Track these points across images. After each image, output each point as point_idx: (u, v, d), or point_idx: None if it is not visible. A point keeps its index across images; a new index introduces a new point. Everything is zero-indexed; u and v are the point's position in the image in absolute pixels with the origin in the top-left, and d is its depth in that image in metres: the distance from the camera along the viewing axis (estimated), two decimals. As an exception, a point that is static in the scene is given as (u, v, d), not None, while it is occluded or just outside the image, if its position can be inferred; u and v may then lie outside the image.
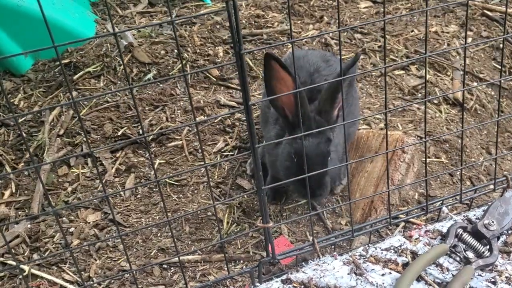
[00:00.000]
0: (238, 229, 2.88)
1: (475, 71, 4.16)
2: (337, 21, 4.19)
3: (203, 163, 3.24)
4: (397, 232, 2.63)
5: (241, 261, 2.73)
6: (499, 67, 4.34)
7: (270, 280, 1.72)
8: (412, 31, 4.43)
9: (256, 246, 2.80)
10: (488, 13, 4.88)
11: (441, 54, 4.16)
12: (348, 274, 1.67)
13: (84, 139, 3.42)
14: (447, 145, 3.38)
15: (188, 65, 3.95)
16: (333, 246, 2.56)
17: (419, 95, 3.80)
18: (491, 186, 2.02)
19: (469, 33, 4.61)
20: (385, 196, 2.79)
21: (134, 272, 2.64)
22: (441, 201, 1.97)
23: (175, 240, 2.76)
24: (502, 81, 4.27)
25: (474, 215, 1.88)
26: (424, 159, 3.21)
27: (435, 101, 3.76)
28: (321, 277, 1.66)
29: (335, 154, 2.56)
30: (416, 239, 1.79)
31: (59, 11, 4.14)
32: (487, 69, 4.27)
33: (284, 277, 1.69)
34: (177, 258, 2.62)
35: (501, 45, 4.47)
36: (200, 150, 3.33)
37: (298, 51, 3.35)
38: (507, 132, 4.10)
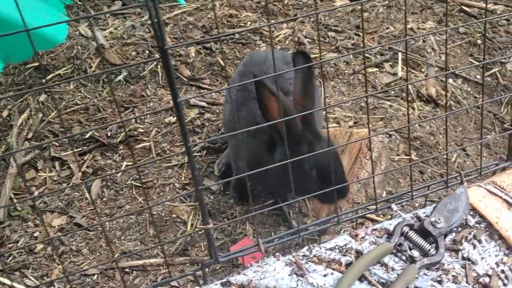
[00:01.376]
0: (202, 231, 2.84)
1: (451, 67, 4.11)
2: (311, 19, 4.15)
3: (171, 164, 3.22)
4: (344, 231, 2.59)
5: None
6: (476, 62, 4.30)
7: (210, 282, 1.68)
8: (388, 28, 4.39)
9: (221, 248, 2.75)
10: (466, 9, 4.84)
11: (415, 51, 4.12)
12: (289, 275, 1.62)
13: (52, 142, 3.38)
14: (418, 142, 3.34)
15: (159, 66, 3.91)
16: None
17: (392, 92, 3.76)
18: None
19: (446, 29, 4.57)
20: (350, 195, 2.75)
21: (95, 276, 2.60)
22: (392, 199, 1.93)
23: (138, 243, 2.73)
24: (478, 77, 4.24)
25: (424, 212, 1.84)
26: (392, 157, 3.17)
27: (409, 98, 3.72)
28: (261, 279, 1.62)
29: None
30: (362, 238, 1.74)
31: (29, 13, 4.10)
32: (463, 65, 4.23)
33: (224, 279, 1.65)
34: (139, 262, 2.59)
35: (478, 41, 4.44)
36: (168, 152, 3.29)
37: (258, 53, 3.31)
38: (484, 128, 4.06)
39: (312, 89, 2.35)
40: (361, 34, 4.21)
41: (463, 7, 4.85)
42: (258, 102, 2.26)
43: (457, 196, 1.83)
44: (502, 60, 4.35)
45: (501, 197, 1.85)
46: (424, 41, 4.27)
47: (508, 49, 4.50)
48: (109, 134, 3.45)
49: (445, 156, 3.40)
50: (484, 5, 4.91)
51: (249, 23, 4.29)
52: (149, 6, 1.38)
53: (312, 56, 3.98)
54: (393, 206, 1.87)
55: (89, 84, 3.84)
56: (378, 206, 1.87)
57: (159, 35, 1.41)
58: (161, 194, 3.05)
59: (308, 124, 2.35)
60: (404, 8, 4.90)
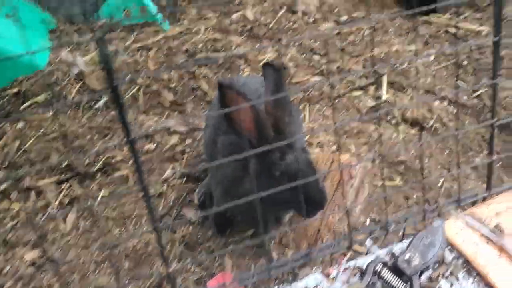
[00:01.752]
0: (180, 265, 2.74)
1: (436, 90, 4.06)
2: (296, 43, 4.10)
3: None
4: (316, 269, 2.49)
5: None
6: (462, 84, 4.25)
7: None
8: (373, 49, 4.35)
9: (197, 283, 2.65)
10: (452, 30, 4.81)
11: (401, 73, 4.07)
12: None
13: (28, 171, 3.29)
14: (403, 166, 3.26)
15: (141, 91, 3.85)
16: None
17: (378, 114, 3.69)
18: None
19: (432, 50, 4.54)
20: (331, 224, 2.67)
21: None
22: (369, 232, 1.84)
23: (113, 277, 2.63)
24: (465, 98, 4.18)
25: (400, 248, 1.76)
26: (376, 183, 3.09)
27: (393, 122, 3.66)
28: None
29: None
30: (333, 278, 1.66)
31: (9, 39, 4.04)
32: (449, 87, 4.18)
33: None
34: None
35: (464, 62, 4.39)
36: (146, 181, 3.19)
37: (237, 78, 3.26)
38: (471, 151, 3.99)
39: (283, 99, 2.26)
40: (346, 56, 4.17)
41: (448, 28, 4.83)
42: (224, 114, 2.16)
43: (434, 230, 1.75)
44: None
45: (479, 231, 1.78)
46: (409, 63, 4.23)
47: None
48: (87, 162, 3.36)
49: (431, 180, 3.33)
50: (470, 26, 4.89)
51: (233, 47, 4.25)
52: (97, 43, 1.31)
53: (296, 80, 3.95)
54: (368, 242, 1.79)
55: (69, 110, 3.77)
56: (354, 240, 1.79)
57: (108, 69, 1.35)
58: (138, 224, 2.96)
59: (280, 133, 2.24)
60: (390, 30, 4.88)
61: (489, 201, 1.91)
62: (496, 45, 1.63)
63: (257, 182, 2.17)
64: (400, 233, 1.98)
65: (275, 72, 2.26)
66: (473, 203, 1.98)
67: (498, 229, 1.77)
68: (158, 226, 1.52)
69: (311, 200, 2.10)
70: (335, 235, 2.63)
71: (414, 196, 3.15)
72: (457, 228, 1.78)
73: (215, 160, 2.62)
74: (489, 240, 1.74)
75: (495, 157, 1.85)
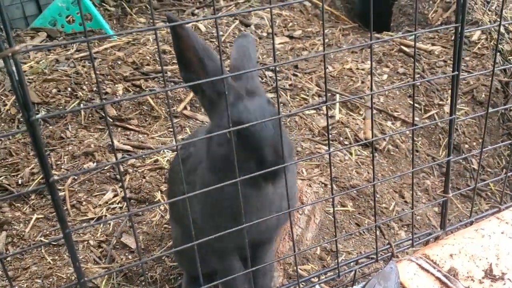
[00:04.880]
0: (117, 298, 2.53)
1: (389, 110, 4.03)
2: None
3: (86, 217, 2.91)
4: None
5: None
6: (415, 104, 4.24)
7: None
8: (326, 67, 4.27)
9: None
10: (405, 49, 4.82)
11: (354, 93, 4.01)
12: None
13: (-49, 192, 2.99)
14: (355, 191, 3.18)
15: (81, 105, 3.60)
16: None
17: (330, 136, 3.61)
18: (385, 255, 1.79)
19: (385, 69, 4.52)
20: (282, 256, 2.53)
21: None
22: (316, 276, 1.72)
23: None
24: (416, 119, 4.17)
25: (351, 294, 1.63)
26: (327, 209, 2.99)
27: (346, 143, 3.58)
28: None
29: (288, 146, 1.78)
30: (279, 329, 1.51)
31: None
32: (402, 107, 4.16)
33: None
34: None
35: (417, 83, 4.39)
36: (83, 203, 2.98)
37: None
38: (422, 173, 3.98)
39: (250, 56, 1.94)
40: (299, 74, 4.08)
41: (402, 47, 4.83)
42: (176, 51, 1.73)
43: (386, 275, 1.64)
44: (440, 102, 4.32)
45: (433, 274, 1.68)
46: (362, 82, 4.18)
47: (445, 91, 4.48)
48: (20, 182, 3.10)
49: (383, 205, 3.26)
50: (423, 45, 4.91)
51: (182, 59, 4.06)
52: (11, 73, 1.12)
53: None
54: (317, 287, 1.66)
55: (2, 124, 3.48)
56: (302, 284, 1.65)
57: (23, 104, 1.16)
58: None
59: (240, 80, 1.82)
60: (343, 46, 4.83)
61: (443, 241, 1.83)
62: (456, 79, 1.55)
63: (211, 141, 1.73)
64: (351, 276, 1.87)
65: (246, 40, 2.02)
66: (426, 242, 1.90)
67: (452, 273, 1.68)
68: (84, 282, 1.33)
69: (263, 165, 1.58)
70: (284, 275, 2.50)
71: (366, 222, 3.07)
72: (410, 272, 1.68)
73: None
74: (443, 284, 1.65)
75: (451, 195, 1.77)
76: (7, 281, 2.62)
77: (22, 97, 1.15)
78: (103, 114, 3.59)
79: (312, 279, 1.70)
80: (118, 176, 3.16)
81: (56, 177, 1.25)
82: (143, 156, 3.28)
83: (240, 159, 1.51)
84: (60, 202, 1.26)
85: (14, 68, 1.13)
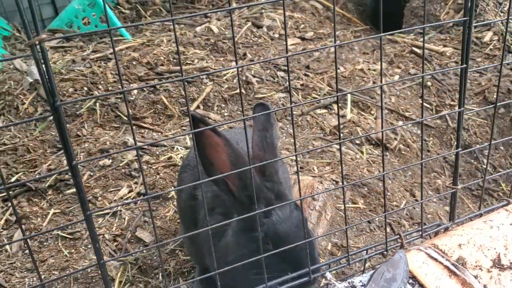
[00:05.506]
0: (131, 289, 2.59)
1: (400, 110, 4.06)
2: (260, 58, 4.03)
3: (102, 213, 2.98)
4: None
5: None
6: (426, 105, 4.27)
7: None
8: (338, 68, 4.32)
9: (150, 308, 2.51)
10: (417, 50, 4.85)
11: (365, 93, 4.05)
12: None
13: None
14: (366, 189, 3.21)
15: (97, 104, 3.69)
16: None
17: (341, 135, 3.65)
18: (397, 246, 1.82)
19: (396, 70, 4.55)
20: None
21: None
22: (327, 264, 1.76)
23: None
24: (429, 119, 4.19)
25: (360, 281, 1.67)
26: (338, 205, 3.02)
27: (357, 142, 3.62)
28: None
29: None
30: (290, 314, 1.56)
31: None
32: (413, 107, 4.18)
33: None
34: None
35: (428, 83, 4.41)
36: (99, 198, 3.05)
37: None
38: (433, 172, 3.99)
39: (272, 142, 1.93)
40: (310, 74, 4.12)
41: (413, 48, 4.86)
42: (198, 151, 1.73)
43: (395, 263, 1.68)
44: (451, 103, 4.34)
45: (442, 263, 1.71)
46: (374, 82, 4.21)
47: (457, 91, 4.49)
48: (37, 178, 3.18)
49: (394, 203, 3.29)
50: (434, 47, 4.94)
51: (196, 60, 4.14)
52: (37, 60, 1.19)
53: (260, 96, 3.86)
54: (327, 274, 1.70)
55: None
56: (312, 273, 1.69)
57: (49, 90, 1.23)
58: (89, 246, 2.79)
59: (267, 180, 1.84)
60: (355, 47, 4.87)
61: (451, 232, 1.86)
62: (464, 72, 1.59)
63: (237, 242, 1.80)
64: (361, 265, 1.90)
65: (264, 110, 1.95)
66: (435, 234, 1.93)
67: (461, 262, 1.71)
68: (103, 263, 1.39)
69: (300, 273, 1.68)
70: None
71: (377, 220, 3.10)
72: (419, 261, 1.71)
73: (195, 215, 2.17)
74: (452, 273, 1.68)
75: (460, 186, 1.80)
76: (25, 271, 2.69)
77: (48, 83, 1.21)
78: (118, 113, 3.67)
79: (322, 268, 1.74)
80: (132, 173, 3.23)
81: (75, 162, 1.31)
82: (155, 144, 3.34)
83: (273, 262, 1.66)
84: (82, 184, 1.32)
85: (40, 55, 1.19)
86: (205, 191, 1.91)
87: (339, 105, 3.93)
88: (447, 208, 3.72)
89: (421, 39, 5.14)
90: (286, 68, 4.16)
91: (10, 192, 3.14)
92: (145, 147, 3.42)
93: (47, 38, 1.18)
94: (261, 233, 1.65)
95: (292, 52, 4.40)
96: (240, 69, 3.98)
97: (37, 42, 1.17)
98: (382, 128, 1.64)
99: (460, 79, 1.65)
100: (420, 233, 1.84)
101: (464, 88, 1.67)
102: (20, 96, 3.69)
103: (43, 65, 1.20)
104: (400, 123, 3.95)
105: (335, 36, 1.33)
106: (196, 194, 2.13)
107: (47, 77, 1.22)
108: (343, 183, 1.67)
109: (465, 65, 1.61)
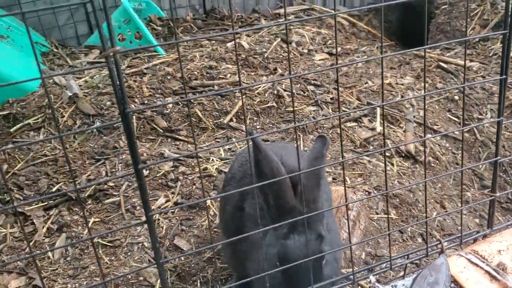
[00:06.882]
0: (171, 295, 2.67)
1: (429, 123, 4.10)
2: (291, 73, 4.14)
3: (140, 221, 3.07)
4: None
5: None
6: (454, 118, 4.30)
7: None
8: (366, 83, 4.39)
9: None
10: (443, 65, 4.90)
11: (394, 106, 4.10)
12: None
13: (15, 195, 3.21)
14: (398, 200, 3.26)
15: (134, 117, 3.81)
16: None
17: (371, 147, 3.71)
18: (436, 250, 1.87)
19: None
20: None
21: None
22: (369, 269, 1.81)
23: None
24: (458, 132, 4.23)
25: (403, 284, 1.73)
26: (371, 216, 3.07)
27: (387, 154, 3.67)
28: None
29: (332, 256, 1.90)
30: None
31: (2, 61, 4.00)
32: (441, 120, 4.22)
33: None
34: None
35: (456, 97, 4.45)
36: (137, 208, 3.14)
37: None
38: (463, 185, 4.01)
39: (318, 172, 1.97)
40: (340, 88, 4.20)
41: (440, 63, 4.91)
42: (256, 167, 1.88)
43: (437, 267, 1.73)
44: (479, 117, 4.37)
45: (482, 268, 1.76)
46: (402, 96, 4.27)
47: (484, 105, 4.52)
48: (77, 187, 3.30)
49: (425, 215, 3.32)
50: (461, 61, 4.98)
51: (228, 75, 4.26)
52: (111, 69, 1.29)
53: (291, 109, 3.95)
54: (371, 277, 1.75)
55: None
56: (356, 276, 1.75)
57: (121, 98, 1.33)
58: (129, 254, 2.88)
59: (307, 205, 1.86)
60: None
61: (490, 239, 1.90)
62: (503, 82, 1.65)
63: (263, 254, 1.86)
64: (402, 270, 1.95)
65: (321, 142, 2.03)
66: (474, 241, 1.97)
67: (501, 267, 1.75)
68: (162, 262, 1.47)
69: None
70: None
71: (409, 230, 3.14)
72: (460, 266, 1.76)
73: (240, 226, 2.22)
74: (493, 278, 1.73)
75: (498, 194, 1.85)
76: (67, 277, 2.79)
77: (119, 91, 1.31)
78: (154, 126, 3.79)
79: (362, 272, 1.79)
80: (169, 183, 3.33)
81: (141, 166, 1.40)
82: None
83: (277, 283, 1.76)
84: (146, 186, 1.41)
85: (114, 66, 1.29)
86: (253, 203, 2.06)
87: (368, 118, 3.99)
88: (477, 220, 3.74)
89: (447, 54, 5.19)
90: (315, 82, 4.24)
91: (50, 202, 3.27)
92: (182, 158, 3.52)
93: (121, 50, 1.29)
94: (274, 250, 1.81)
95: (321, 67, 4.50)
96: (272, 83, 4.09)
97: (111, 54, 1.27)
98: (424, 136, 1.70)
99: (500, 90, 1.71)
100: (460, 241, 1.89)
101: (503, 98, 1.73)
102: (60, 109, 3.83)
103: (116, 74, 1.30)
104: (429, 136, 3.99)
105: (382, 47, 1.40)
106: (244, 206, 2.20)
107: (119, 85, 1.31)
108: (386, 189, 1.73)
109: (504, 76, 1.68)
